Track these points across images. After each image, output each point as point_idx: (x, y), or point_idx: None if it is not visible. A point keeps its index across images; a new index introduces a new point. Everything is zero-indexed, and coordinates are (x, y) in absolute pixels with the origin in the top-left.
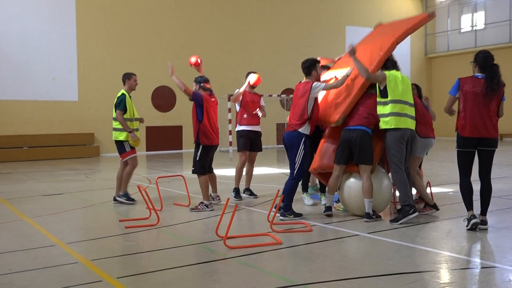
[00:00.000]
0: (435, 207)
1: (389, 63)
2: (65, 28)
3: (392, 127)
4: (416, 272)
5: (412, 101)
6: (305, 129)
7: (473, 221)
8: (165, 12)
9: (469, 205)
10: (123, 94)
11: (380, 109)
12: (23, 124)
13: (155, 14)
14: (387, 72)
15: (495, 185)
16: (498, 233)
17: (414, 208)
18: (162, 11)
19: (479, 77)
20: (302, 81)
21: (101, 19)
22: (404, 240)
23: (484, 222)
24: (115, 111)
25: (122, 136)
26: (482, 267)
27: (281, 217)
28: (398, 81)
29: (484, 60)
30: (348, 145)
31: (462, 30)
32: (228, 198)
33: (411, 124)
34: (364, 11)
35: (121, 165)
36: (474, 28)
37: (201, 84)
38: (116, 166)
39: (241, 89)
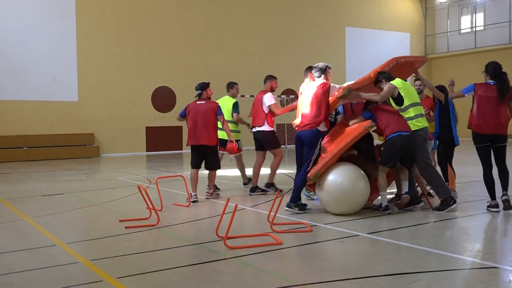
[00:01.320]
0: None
1: (385, 75)
2: (65, 28)
3: (422, 126)
4: (416, 273)
5: (419, 100)
6: (322, 127)
7: (504, 198)
8: (165, 12)
9: (492, 195)
10: (236, 101)
11: (404, 115)
12: (23, 124)
13: (155, 15)
14: (393, 82)
15: (496, 186)
16: (499, 234)
17: (454, 200)
18: (162, 12)
19: (491, 83)
20: (308, 82)
21: (101, 19)
22: (404, 241)
23: (508, 200)
24: (232, 115)
25: (238, 137)
26: (483, 268)
27: (286, 208)
28: (407, 86)
29: (494, 70)
30: (403, 150)
31: (462, 31)
32: (228, 198)
33: (424, 122)
34: (364, 12)
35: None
36: (474, 29)
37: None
38: (116, 166)
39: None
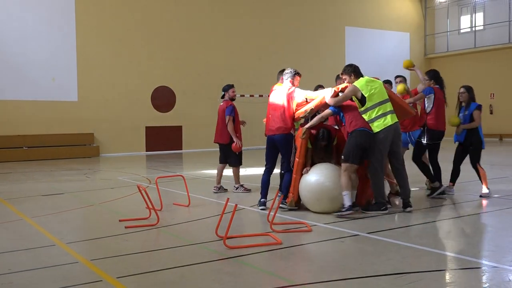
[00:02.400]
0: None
1: (349, 69)
2: (64, 28)
3: (387, 124)
4: (416, 272)
5: (387, 97)
6: (293, 131)
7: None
8: (165, 12)
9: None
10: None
11: (366, 117)
12: (22, 124)
13: (154, 15)
14: (356, 84)
15: (496, 186)
16: (498, 233)
17: (386, 207)
18: (162, 12)
19: (439, 87)
20: (277, 88)
21: (101, 19)
22: (403, 240)
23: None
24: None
25: None
26: (482, 267)
27: (281, 205)
28: (370, 85)
29: (438, 76)
30: (366, 146)
31: (462, 31)
32: (228, 198)
33: (394, 118)
34: (364, 12)
35: None
36: (473, 29)
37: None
38: (116, 166)
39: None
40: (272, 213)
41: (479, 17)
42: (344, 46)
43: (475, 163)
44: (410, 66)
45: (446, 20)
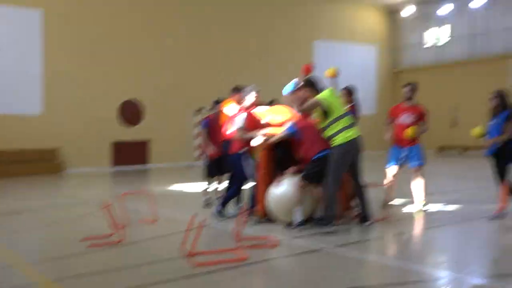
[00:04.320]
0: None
1: (307, 84)
2: (31, 40)
3: (340, 143)
4: (380, 285)
5: (344, 111)
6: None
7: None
8: (133, 25)
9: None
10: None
11: (329, 131)
12: None
13: (122, 27)
14: (318, 97)
15: (454, 197)
16: (459, 245)
17: (331, 224)
18: (130, 25)
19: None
20: (232, 105)
21: (68, 31)
22: (368, 254)
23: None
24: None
25: None
26: (442, 279)
27: (215, 212)
28: (332, 99)
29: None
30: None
31: (426, 45)
32: (195, 214)
33: (356, 132)
34: (332, 25)
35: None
36: (438, 43)
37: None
38: (80, 182)
39: None
40: (238, 229)
41: (444, 32)
42: (312, 59)
43: (500, 176)
44: (334, 76)
45: (412, 33)
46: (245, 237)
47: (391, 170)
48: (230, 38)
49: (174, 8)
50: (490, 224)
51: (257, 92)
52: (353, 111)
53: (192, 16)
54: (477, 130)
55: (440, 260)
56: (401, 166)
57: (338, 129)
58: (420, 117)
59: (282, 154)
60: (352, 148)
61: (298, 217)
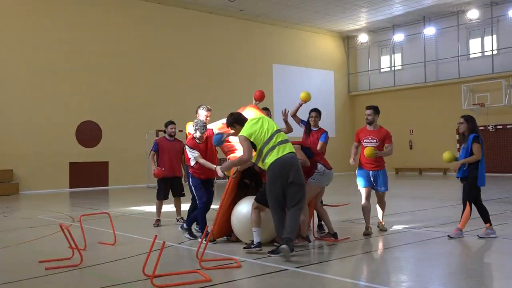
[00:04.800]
0: (335, 236)
1: (230, 121)
2: None
3: (268, 165)
4: None
5: (275, 129)
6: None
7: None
8: (91, 45)
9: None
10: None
11: (260, 159)
12: None
13: (81, 47)
14: (243, 134)
15: (415, 217)
16: (420, 264)
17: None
18: (88, 45)
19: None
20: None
21: (23, 50)
22: (332, 274)
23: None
24: None
25: None
26: None
27: (180, 228)
28: (252, 130)
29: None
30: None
31: (382, 70)
32: (156, 235)
33: (284, 150)
34: (290, 50)
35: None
36: (393, 69)
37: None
38: (37, 204)
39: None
40: (201, 250)
41: (398, 58)
42: (271, 83)
43: (464, 199)
44: (308, 100)
45: (368, 59)
46: (207, 258)
47: (364, 191)
48: (190, 59)
49: (133, 29)
50: (449, 244)
51: (207, 111)
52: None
53: (152, 37)
54: (447, 155)
55: (401, 279)
56: (372, 187)
57: (265, 153)
58: (384, 140)
59: (249, 179)
60: (277, 168)
61: (255, 238)
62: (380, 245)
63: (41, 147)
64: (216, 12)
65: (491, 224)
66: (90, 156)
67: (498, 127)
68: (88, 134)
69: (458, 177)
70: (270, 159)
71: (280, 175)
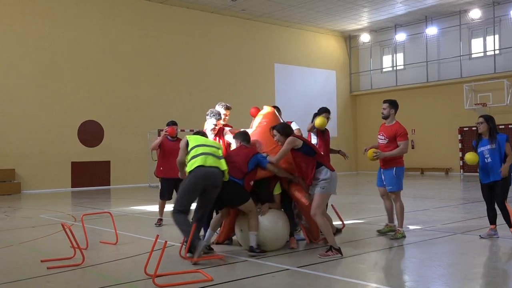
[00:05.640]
0: (339, 251)
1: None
2: None
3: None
4: None
5: (202, 142)
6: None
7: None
8: (93, 45)
9: None
10: None
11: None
12: None
13: (82, 47)
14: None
15: (418, 217)
16: (422, 264)
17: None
18: (90, 45)
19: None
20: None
21: (25, 50)
22: (333, 273)
23: None
24: None
25: None
26: None
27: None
28: (192, 139)
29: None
30: None
31: (384, 70)
32: (158, 235)
33: (203, 161)
34: (292, 50)
35: None
36: (395, 68)
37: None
38: (39, 203)
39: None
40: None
41: (400, 57)
42: (273, 83)
43: (501, 200)
44: (323, 127)
45: (370, 59)
46: (203, 257)
47: (379, 191)
48: (192, 59)
49: (136, 29)
50: (451, 244)
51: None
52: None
53: (154, 37)
54: (471, 156)
55: (403, 279)
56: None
57: (188, 161)
58: (395, 138)
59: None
60: (194, 178)
61: (253, 242)
62: (382, 245)
63: (43, 146)
64: (218, 12)
65: (496, 225)
66: (92, 155)
67: (500, 127)
68: (90, 133)
69: (494, 180)
70: (190, 168)
71: (196, 184)
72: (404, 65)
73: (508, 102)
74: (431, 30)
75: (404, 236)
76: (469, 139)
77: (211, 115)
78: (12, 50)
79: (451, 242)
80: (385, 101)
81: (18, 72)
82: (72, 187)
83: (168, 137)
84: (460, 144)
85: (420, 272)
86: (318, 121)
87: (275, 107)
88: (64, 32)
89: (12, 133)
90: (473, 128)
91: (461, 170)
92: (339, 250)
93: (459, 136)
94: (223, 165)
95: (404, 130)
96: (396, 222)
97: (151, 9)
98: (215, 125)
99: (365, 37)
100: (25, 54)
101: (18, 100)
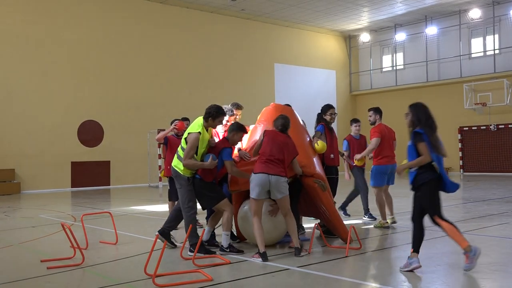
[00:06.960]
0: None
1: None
2: None
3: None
4: None
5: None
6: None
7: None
8: (93, 45)
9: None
10: None
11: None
12: None
13: (82, 48)
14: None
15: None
16: (422, 263)
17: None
18: (90, 45)
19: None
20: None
21: (25, 51)
22: (332, 273)
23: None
24: None
25: None
26: None
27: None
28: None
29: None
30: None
31: (384, 70)
32: (157, 235)
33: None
34: (292, 49)
35: None
36: (394, 68)
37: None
38: (38, 203)
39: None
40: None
41: (400, 57)
42: (273, 83)
43: (431, 215)
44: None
45: (369, 59)
46: (201, 256)
47: (382, 189)
48: (192, 59)
49: (136, 29)
50: (450, 243)
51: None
52: None
53: (154, 37)
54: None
55: (402, 279)
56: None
57: None
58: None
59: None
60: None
61: (225, 242)
62: (381, 244)
63: (43, 146)
64: (217, 12)
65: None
66: (91, 155)
67: (500, 126)
68: (90, 133)
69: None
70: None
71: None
72: (404, 65)
73: (508, 102)
74: (431, 30)
75: (385, 227)
76: (469, 139)
77: (225, 111)
78: (12, 50)
79: (451, 242)
80: (369, 109)
81: (18, 72)
82: (72, 187)
83: (176, 134)
84: (460, 144)
85: (420, 272)
86: (318, 147)
87: (287, 105)
88: (64, 32)
89: (12, 133)
90: (473, 128)
91: (461, 170)
92: (263, 255)
93: (459, 135)
94: (180, 165)
95: (374, 130)
96: (393, 215)
97: (151, 9)
98: (227, 121)
99: (365, 37)
100: (25, 54)
101: (18, 100)
